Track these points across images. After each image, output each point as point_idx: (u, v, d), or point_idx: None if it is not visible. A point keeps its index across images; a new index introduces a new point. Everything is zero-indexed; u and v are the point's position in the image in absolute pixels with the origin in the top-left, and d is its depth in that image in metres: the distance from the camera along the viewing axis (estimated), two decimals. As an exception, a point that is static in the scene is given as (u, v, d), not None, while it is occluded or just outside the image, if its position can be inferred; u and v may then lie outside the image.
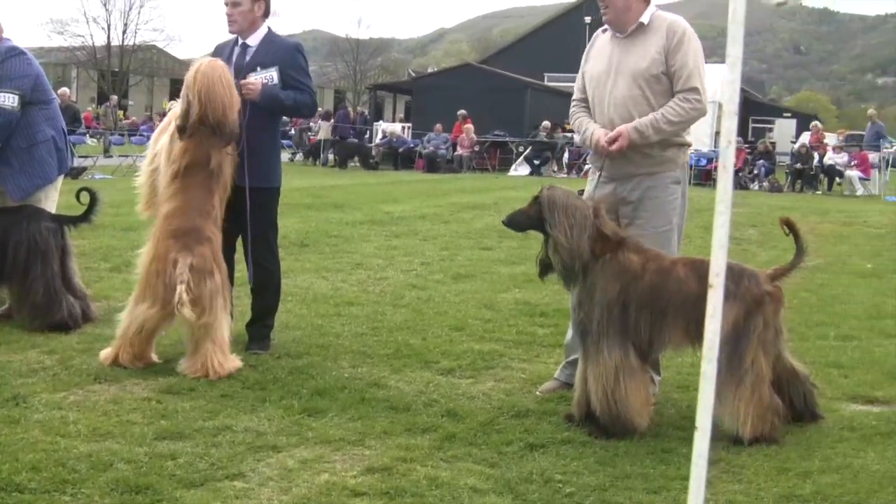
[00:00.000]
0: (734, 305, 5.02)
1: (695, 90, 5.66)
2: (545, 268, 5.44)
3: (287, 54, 6.75)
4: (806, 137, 34.39)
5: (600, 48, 6.01)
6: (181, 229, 6.14)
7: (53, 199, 7.71)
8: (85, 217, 7.58)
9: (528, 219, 5.36)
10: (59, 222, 7.41)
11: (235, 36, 6.83)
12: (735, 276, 5.05)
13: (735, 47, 2.99)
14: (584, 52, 6.14)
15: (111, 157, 28.45)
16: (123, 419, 5.13)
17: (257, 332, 6.76)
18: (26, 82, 7.34)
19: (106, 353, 6.20)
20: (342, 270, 10.22)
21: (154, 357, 6.27)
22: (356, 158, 34.14)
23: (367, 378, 6.09)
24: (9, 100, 7.21)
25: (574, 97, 6.17)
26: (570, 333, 5.97)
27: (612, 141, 5.64)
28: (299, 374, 6.06)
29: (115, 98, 43.47)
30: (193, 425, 5.06)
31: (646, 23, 5.78)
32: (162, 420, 5.13)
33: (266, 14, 6.83)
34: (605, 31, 6.03)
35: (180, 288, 5.91)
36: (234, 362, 6.11)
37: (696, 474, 2.95)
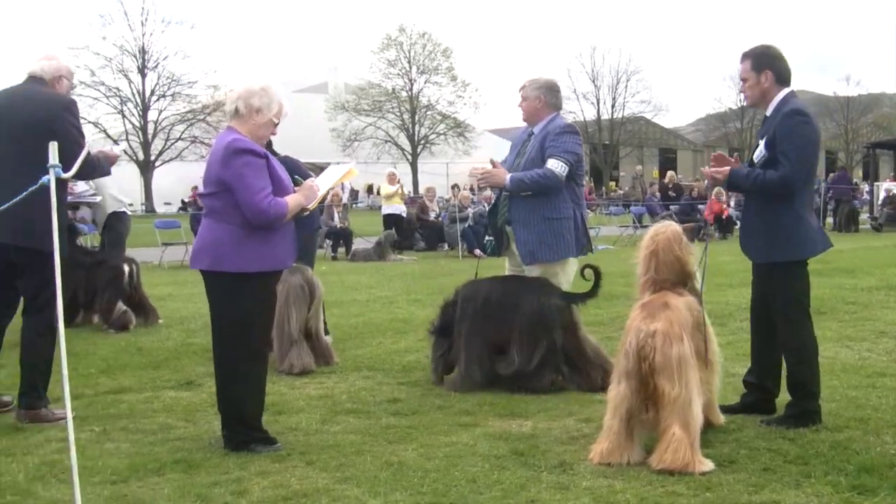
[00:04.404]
0: None
1: None
2: None
3: None
4: None
5: None
6: (647, 303, 5.92)
7: (570, 274, 8.02)
8: (592, 293, 7.81)
9: None
10: (567, 300, 7.76)
11: None
12: None
13: None
14: None
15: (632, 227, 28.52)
16: (669, 489, 5.15)
17: None
18: (573, 158, 7.76)
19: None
20: (866, 339, 9.74)
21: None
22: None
23: (920, 456, 5.69)
24: (559, 167, 7.65)
25: None
26: None
27: None
28: (842, 449, 5.78)
29: (639, 168, 44.24)
30: (739, 499, 4.99)
31: None
32: (707, 492, 5.09)
33: (782, 82, 6.56)
34: None
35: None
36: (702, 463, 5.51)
37: None
